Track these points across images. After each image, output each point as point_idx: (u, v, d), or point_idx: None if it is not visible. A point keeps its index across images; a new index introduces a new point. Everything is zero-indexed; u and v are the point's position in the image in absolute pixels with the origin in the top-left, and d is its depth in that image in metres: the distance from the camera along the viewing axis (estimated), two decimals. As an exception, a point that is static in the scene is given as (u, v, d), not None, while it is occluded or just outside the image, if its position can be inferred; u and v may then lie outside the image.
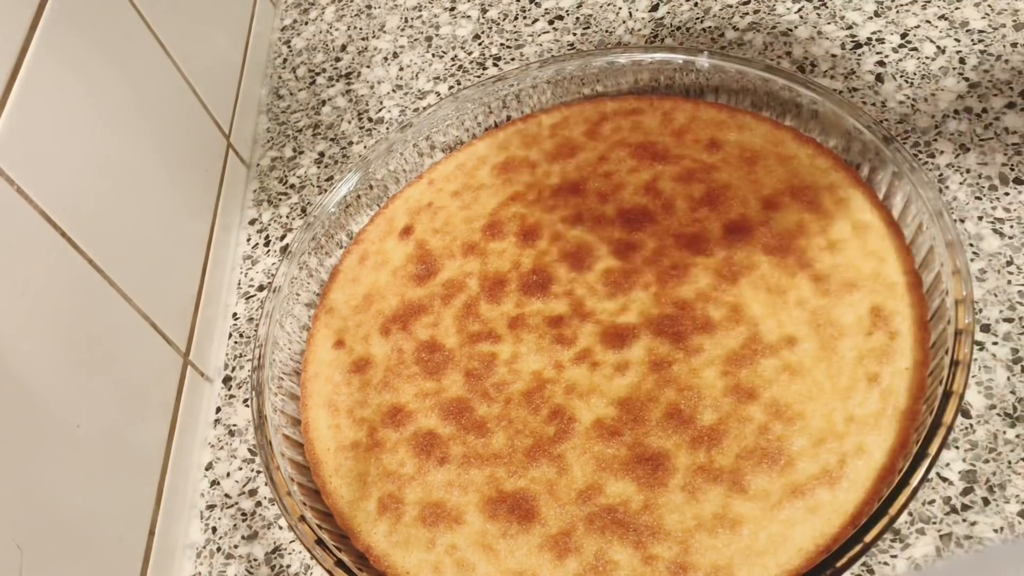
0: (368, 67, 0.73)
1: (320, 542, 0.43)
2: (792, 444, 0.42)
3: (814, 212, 0.50)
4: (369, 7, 0.78)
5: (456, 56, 0.70)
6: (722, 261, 0.49)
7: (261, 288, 0.62)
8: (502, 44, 0.70)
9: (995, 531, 0.42)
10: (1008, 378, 0.46)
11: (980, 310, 0.49)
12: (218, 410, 0.57)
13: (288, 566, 0.50)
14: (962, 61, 0.59)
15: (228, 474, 0.54)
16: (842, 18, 0.64)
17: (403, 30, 0.74)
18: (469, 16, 0.73)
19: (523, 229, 0.53)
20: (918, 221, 0.47)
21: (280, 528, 0.51)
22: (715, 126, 0.55)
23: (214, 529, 0.52)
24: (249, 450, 0.55)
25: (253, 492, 0.53)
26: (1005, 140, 0.54)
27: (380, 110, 0.69)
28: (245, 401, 0.57)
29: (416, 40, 0.73)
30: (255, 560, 0.50)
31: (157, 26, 0.58)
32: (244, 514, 0.52)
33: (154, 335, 0.52)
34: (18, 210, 0.43)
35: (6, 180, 0.42)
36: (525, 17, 0.71)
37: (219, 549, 0.51)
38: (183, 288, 0.57)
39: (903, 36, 0.61)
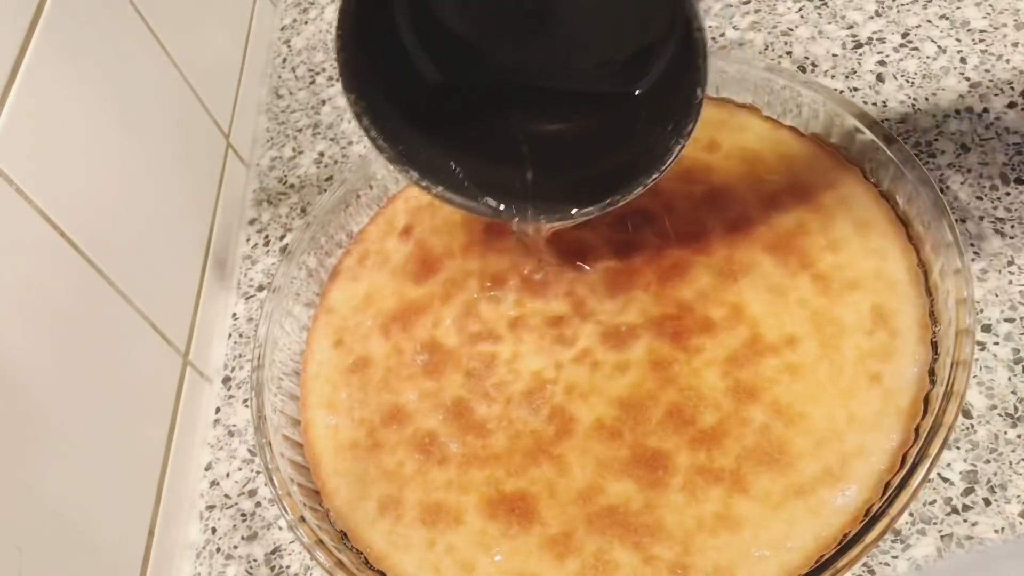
0: (368, 67, 0.73)
1: (320, 542, 0.43)
2: (793, 444, 0.42)
3: (815, 211, 0.49)
4: (369, 7, 0.77)
5: (456, 56, 0.70)
6: (722, 260, 0.49)
7: (261, 288, 0.62)
8: (502, 44, 0.70)
9: (996, 531, 0.42)
10: (1009, 378, 0.46)
11: (981, 310, 0.49)
12: (218, 410, 0.57)
13: (288, 567, 0.49)
14: (963, 61, 0.59)
15: (228, 474, 0.54)
16: (843, 17, 0.63)
17: (403, 30, 0.74)
18: (469, 16, 0.73)
19: (523, 229, 0.53)
20: (919, 220, 0.47)
21: (280, 529, 0.51)
22: (715, 126, 0.55)
23: (213, 530, 0.52)
24: (249, 450, 0.55)
25: (253, 492, 0.53)
26: (1006, 140, 0.54)
27: (380, 110, 0.69)
28: (245, 401, 0.57)
29: (416, 40, 0.73)
30: (255, 561, 0.50)
31: (157, 26, 0.58)
32: (244, 515, 0.52)
33: (154, 335, 0.52)
34: (18, 210, 0.42)
35: (6, 180, 0.42)
36: (525, 17, 0.71)
37: (219, 550, 0.51)
38: (183, 288, 0.57)
39: (904, 36, 0.61)
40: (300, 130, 0.70)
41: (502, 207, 0.44)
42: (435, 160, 0.44)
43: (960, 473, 0.44)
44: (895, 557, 0.43)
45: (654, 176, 0.40)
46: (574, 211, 0.44)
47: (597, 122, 0.44)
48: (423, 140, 0.44)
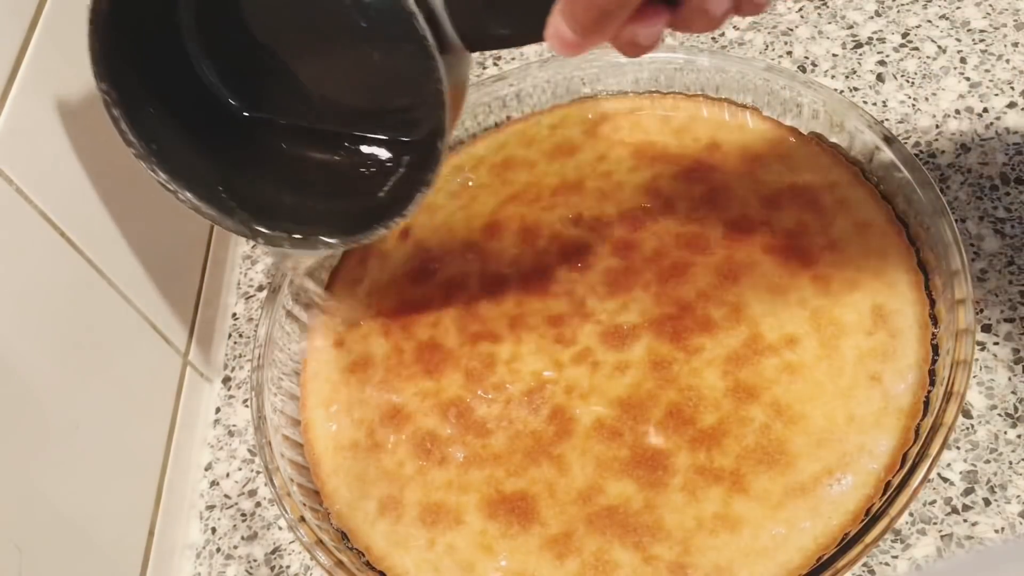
0: (368, 67, 0.73)
1: (320, 542, 0.43)
2: (793, 444, 0.42)
3: (815, 211, 0.49)
4: (369, 7, 0.77)
5: (456, 56, 0.70)
6: (722, 260, 0.49)
7: (261, 288, 0.62)
8: (502, 44, 0.70)
9: (996, 531, 0.42)
10: (1009, 378, 0.46)
11: (981, 310, 0.49)
12: (218, 410, 0.57)
13: (288, 567, 0.49)
14: (963, 61, 0.59)
15: (228, 474, 0.54)
16: (843, 17, 0.63)
17: (403, 30, 0.74)
18: (469, 16, 0.73)
19: (523, 228, 0.53)
20: (919, 220, 0.47)
21: (280, 529, 0.51)
22: (715, 126, 0.55)
23: (213, 530, 0.52)
24: (249, 450, 0.55)
25: (253, 492, 0.53)
26: (1006, 140, 0.54)
27: (380, 110, 0.69)
28: (245, 401, 0.57)
29: (416, 40, 0.73)
30: (255, 561, 0.50)
31: (157, 26, 0.58)
32: (244, 514, 0.52)
33: (154, 335, 0.52)
34: (18, 210, 0.42)
35: (6, 180, 0.42)
36: (525, 17, 0.71)
37: (219, 550, 0.51)
38: (183, 288, 0.57)
39: (904, 36, 0.61)
40: (300, 130, 0.70)
41: (252, 226, 0.44)
42: (191, 165, 0.43)
43: (960, 473, 0.44)
44: (895, 557, 0.43)
45: (396, 220, 0.41)
46: (323, 241, 0.44)
47: (358, 160, 0.45)
48: (183, 141, 0.44)
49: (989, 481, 0.44)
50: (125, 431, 0.48)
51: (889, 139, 0.49)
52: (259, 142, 0.45)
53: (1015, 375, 0.46)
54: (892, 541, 0.43)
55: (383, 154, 0.44)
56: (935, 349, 0.43)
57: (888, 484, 0.40)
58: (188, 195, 0.43)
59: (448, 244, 0.54)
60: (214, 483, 0.54)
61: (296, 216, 0.45)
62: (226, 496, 0.53)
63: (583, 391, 0.46)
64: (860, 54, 0.61)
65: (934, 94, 0.58)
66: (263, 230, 0.44)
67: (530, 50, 0.68)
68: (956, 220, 0.45)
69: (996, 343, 0.47)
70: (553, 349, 0.48)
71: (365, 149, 0.45)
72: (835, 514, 0.40)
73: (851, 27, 0.63)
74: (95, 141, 0.50)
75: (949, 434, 0.39)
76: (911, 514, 0.44)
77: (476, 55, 0.69)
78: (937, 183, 0.47)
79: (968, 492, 0.44)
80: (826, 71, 0.61)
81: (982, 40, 0.59)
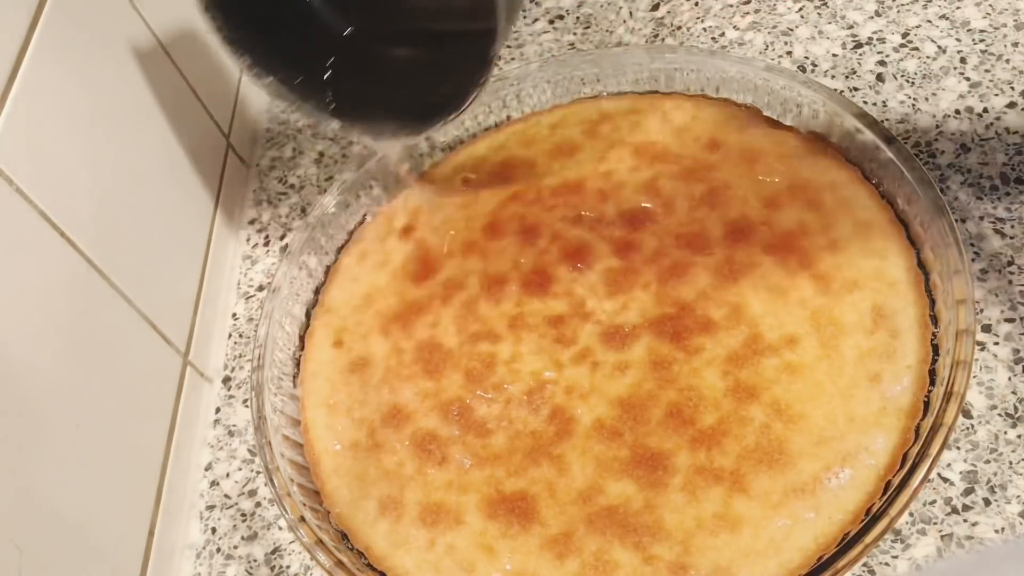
0: (368, 67, 0.73)
1: (320, 542, 0.43)
2: (793, 444, 0.42)
3: (815, 211, 0.49)
4: (369, 7, 0.77)
5: (456, 56, 0.70)
6: (723, 260, 0.49)
7: (261, 288, 0.62)
8: (502, 44, 0.70)
9: (996, 531, 0.42)
10: (1009, 378, 0.46)
11: (981, 310, 0.49)
12: (218, 410, 0.57)
13: (288, 567, 0.49)
14: (963, 61, 0.59)
15: (228, 474, 0.54)
16: (843, 17, 0.63)
17: (403, 30, 0.74)
18: (469, 16, 0.73)
19: (523, 228, 0.53)
20: (919, 220, 0.47)
21: (280, 529, 0.51)
22: (715, 125, 0.55)
23: (213, 530, 0.52)
24: (249, 450, 0.55)
25: (253, 492, 0.53)
26: (1006, 140, 0.54)
27: (380, 110, 0.69)
28: (245, 401, 0.57)
29: (416, 40, 0.73)
30: (255, 561, 0.50)
31: (157, 26, 0.58)
32: (244, 515, 0.52)
33: (153, 335, 0.52)
34: (18, 210, 0.42)
35: (5, 180, 0.42)
36: (525, 16, 0.71)
37: (219, 550, 0.51)
38: (183, 288, 0.57)
39: (904, 36, 0.61)
40: (300, 130, 0.70)
41: (329, 112, 0.49)
42: (274, 52, 0.49)
43: (960, 473, 0.44)
44: (895, 557, 0.43)
45: (453, 113, 0.47)
46: (389, 128, 0.50)
47: (423, 59, 0.51)
48: (268, 34, 0.49)
49: (989, 481, 0.44)
50: (125, 431, 0.48)
51: (889, 139, 0.49)
52: (337, 40, 0.51)
53: (1015, 375, 0.46)
54: (892, 541, 0.43)
55: (445, 56, 0.50)
56: (935, 349, 0.43)
57: (888, 484, 0.40)
58: (271, 79, 0.48)
59: (448, 244, 0.54)
60: (214, 483, 0.54)
61: (365, 106, 0.50)
62: (226, 496, 0.53)
63: (583, 391, 0.46)
64: (860, 54, 0.61)
65: (934, 94, 0.58)
66: (338, 117, 0.50)
67: (530, 50, 0.68)
68: (956, 220, 0.45)
69: (996, 343, 0.47)
70: (553, 349, 0.48)
71: (430, 51, 0.50)
72: (835, 514, 0.40)
73: (851, 27, 0.63)
74: (95, 141, 0.50)
75: (949, 434, 0.39)
76: (911, 514, 0.44)
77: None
78: (937, 183, 0.47)
79: (968, 492, 0.44)
80: (826, 71, 0.61)
81: (982, 40, 0.59)
